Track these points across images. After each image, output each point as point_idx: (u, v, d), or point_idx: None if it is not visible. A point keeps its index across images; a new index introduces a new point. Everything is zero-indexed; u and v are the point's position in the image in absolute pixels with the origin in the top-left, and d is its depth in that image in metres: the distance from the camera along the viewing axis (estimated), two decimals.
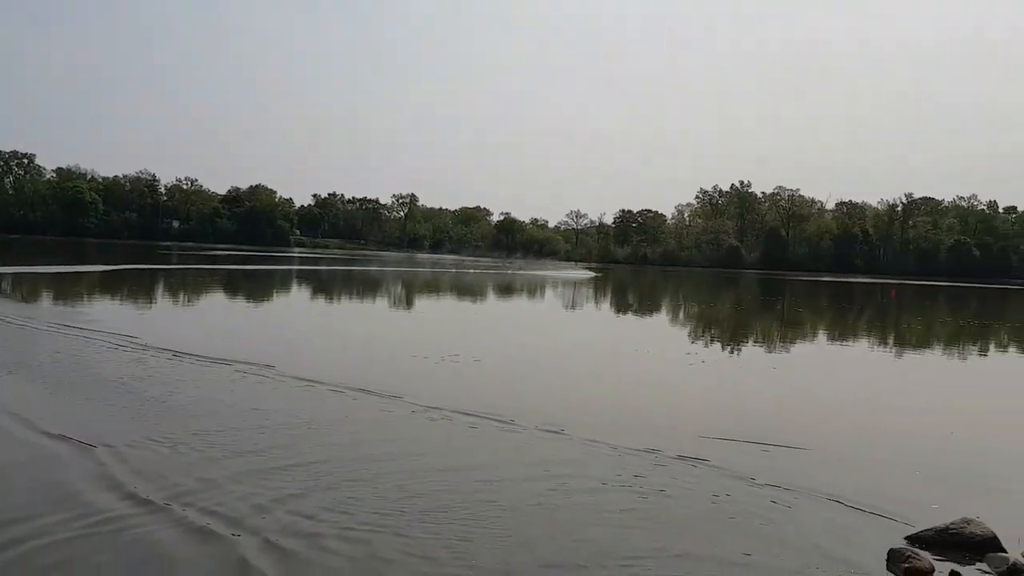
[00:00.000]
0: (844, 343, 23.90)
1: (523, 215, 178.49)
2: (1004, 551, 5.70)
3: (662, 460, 8.03)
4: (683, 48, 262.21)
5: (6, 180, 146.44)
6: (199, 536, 5.62)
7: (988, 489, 7.76)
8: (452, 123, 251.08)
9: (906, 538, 5.96)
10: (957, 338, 27.09)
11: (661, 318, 33.01)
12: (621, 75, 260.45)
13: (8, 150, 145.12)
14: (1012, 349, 24.76)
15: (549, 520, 6.27)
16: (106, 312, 21.41)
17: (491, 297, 40.41)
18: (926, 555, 5.55)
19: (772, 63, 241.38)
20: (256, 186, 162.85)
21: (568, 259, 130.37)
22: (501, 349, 18.14)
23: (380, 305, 32.21)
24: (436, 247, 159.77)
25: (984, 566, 5.53)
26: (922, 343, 24.86)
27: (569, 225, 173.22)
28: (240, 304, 28.83)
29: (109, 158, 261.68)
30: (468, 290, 43.81)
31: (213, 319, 22.30)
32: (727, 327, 28.08)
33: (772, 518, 6.46)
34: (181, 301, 28.65)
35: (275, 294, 35.64)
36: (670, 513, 6.50)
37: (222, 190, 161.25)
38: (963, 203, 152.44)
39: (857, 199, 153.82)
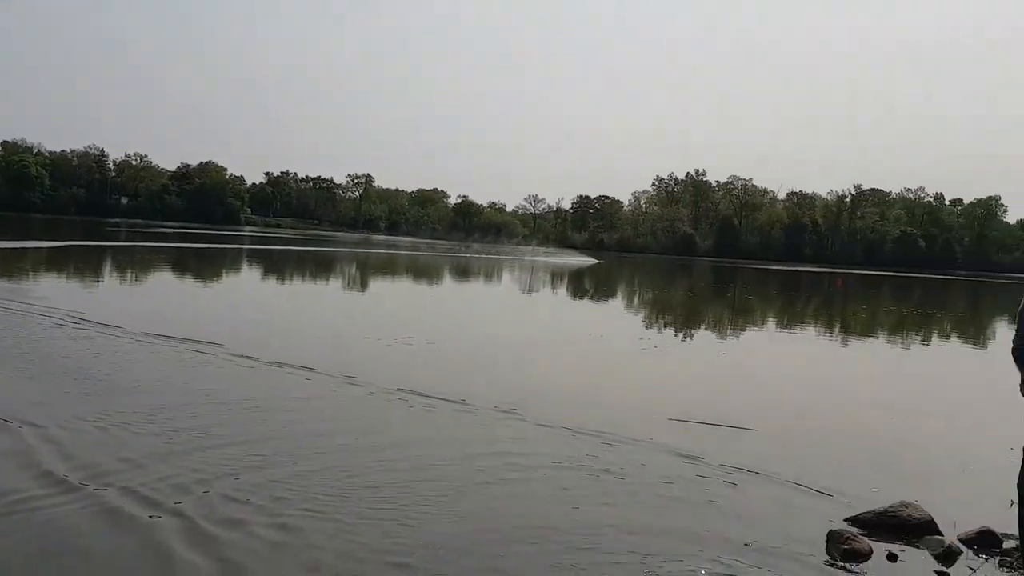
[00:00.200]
0: (791, 330, 24.41)
1: (481, 199, 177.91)
2: (940, 534, 5.86)
3: (613, 440, 8.08)
4: (619, 34, 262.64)
5: None
6: (114, 517, 5.33)
7: (926, 474, 7.99)
8: (410, 104, 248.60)
9: (846, 519, 6.09)
10: (900, 326, 27.90)
11: (616, 304, 33.29)
12: (586, 62, 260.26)
13: None
14: (953, 338, 25.56)
15: (498, 497, 6.26)
16: (52, 289, 20.69)
17: (458, 283, 40.22)
18: (865, 538, 5.67)
19: (753, 60, 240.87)
20: (206, 163, 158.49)
21: (526, 244, 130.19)
22: (456, 332, 18.06)
23: (334, 286, 31.84)
24: (392, 228, 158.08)
25: (921, 549, 5.67)
26: (866, 331, 25.53)
27: (527, 209, 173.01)
28: (189, 283, 28.21)
29: (56, 132, 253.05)
30: (428, 274, 43.52)
31: (161, 297, 21.78)
32: (680, 313, 28.45)
33: (719, 495, 6.57)
34: (129, 279, 27.92)
35: (225, 273, 34.95)
36: (621, 491, 6.55)
37: (172, 167, 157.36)
38: (910, 195, 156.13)
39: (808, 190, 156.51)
